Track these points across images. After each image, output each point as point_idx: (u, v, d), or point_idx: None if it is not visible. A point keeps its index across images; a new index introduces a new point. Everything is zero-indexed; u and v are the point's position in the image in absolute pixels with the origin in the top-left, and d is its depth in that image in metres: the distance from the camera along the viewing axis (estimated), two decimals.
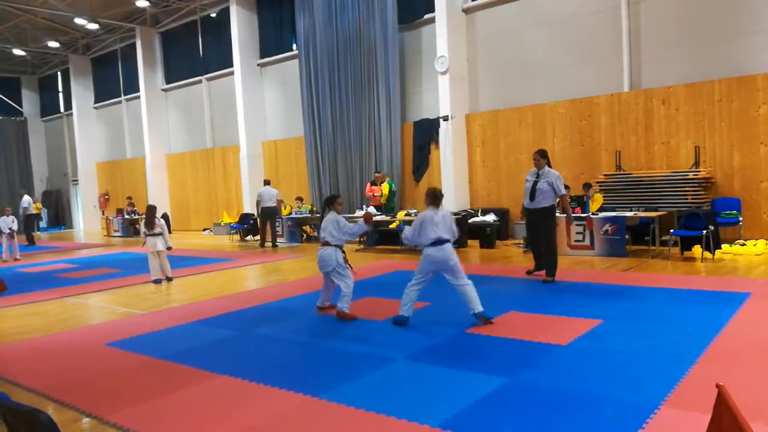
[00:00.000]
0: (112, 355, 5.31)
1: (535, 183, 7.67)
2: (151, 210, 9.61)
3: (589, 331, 5.16)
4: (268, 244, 14.55)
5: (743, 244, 9.37)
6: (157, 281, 9.44)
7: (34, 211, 19.27)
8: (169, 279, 9.58)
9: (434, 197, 5.77)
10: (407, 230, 5.88)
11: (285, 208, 15.61)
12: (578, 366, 4.27)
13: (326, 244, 6.33)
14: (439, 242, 5.61)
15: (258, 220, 15.00)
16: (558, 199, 7.96)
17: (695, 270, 8.14)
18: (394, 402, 3.74)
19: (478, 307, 5.59)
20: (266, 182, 15.00)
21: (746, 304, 5.83)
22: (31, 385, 4.57)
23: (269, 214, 14.40)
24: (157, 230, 9.43)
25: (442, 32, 13.39)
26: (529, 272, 8.32)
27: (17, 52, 23.82)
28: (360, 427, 3.42)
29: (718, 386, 1.54)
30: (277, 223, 14.99)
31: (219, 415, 3.72)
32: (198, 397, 4.08)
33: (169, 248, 9.60)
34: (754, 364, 4.13)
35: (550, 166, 7.78)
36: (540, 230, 7.87)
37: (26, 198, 19.62)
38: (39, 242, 20.06)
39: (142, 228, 9.46)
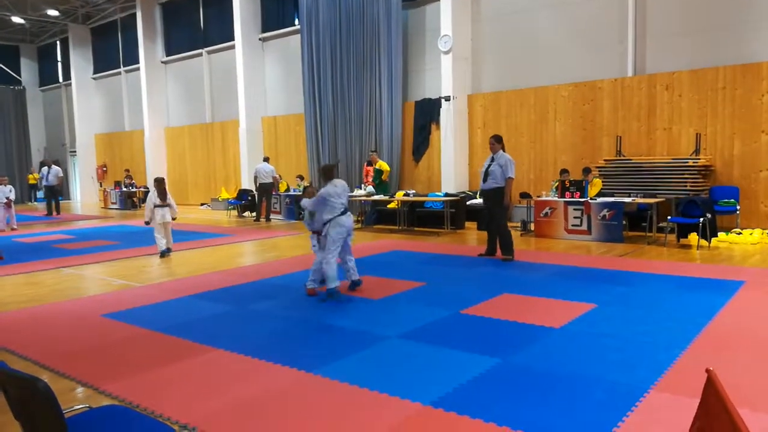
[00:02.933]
0: (108, 326, 5.34)
1: (489, 166, 8.12)
2: (162, 182, 9.76)
3: (583, 314, 5.20)
4: (264, 219, 14.89)
5: (740, 233, 9.40)
6: (166, 252, 9.50)
7: (56, 183, 18.38)
8: (168, 250, 9.61)
9: (328, 172, 6.33)
10: (308, 206, 6.32)
11: (281, 183, 15.71)
12: (570, 349, 4.31)
13: None
14: (346, 211, 6.21)
15: (256, 195, 15.32)
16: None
17: (691, 257, 8.18)
18: (387, 379, 3.77)
19: (356, 276, 6.33)
20: (265, 159, 15.25)
21: (740, 293, 5.87)
22: (27, 353, 4.60)
23: (265, 189, 14.71)
24: (168, 202, 9.53)
25: (446, 11, 13.25)
26: (480, 255, 8.55)
27: (16, 19, 23.54)
28: (353, 403, 3.45)
29: (707, 371, 1.55)
30: (275, 200, 15.26)
31: (214, 388, 3.75)
32: (193, 370, 4.12)
33: (174, 218, 9.74)
34: (744, 351, 4.17)
35: (504, 151, 8.22)
36: (491, 210, 8.32)
37: (55, 168, 18.18)
38: (36, 213, 20.02)
39: (155, 200, 9.46)
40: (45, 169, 18.13)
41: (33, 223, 16.04)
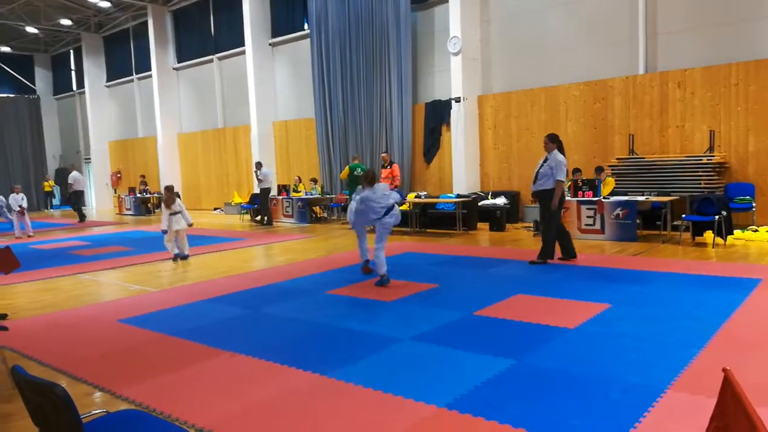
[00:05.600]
0: (125, 331, 5.39)
1: (541, 167, 7.74)
2: (171, 189, 9.79)
3: (597, 314, 5.16)
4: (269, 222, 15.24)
5: (756, 230, 9.29)
6: (180, 257, 9.63)
7: (79, 188, 18.20)
8: (185, 257, 9.67)
9: (367, 179, 6.93)
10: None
11: (299, 185, 15.97)
12: (585, 349, 4.28)
13: None
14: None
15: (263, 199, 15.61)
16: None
17: (706, 255, 8.09)
18: (401, 382, 3.77)
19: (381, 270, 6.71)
20: (258, 164, 15.52)
21: (757, 290, 5.81)
22: (45, 359, 4.66)
23: (268, 193, 15.10)
24: (176, 209, 9.56)
25: (455, 13, 13.24)
26: (559, 258, 8.04)
27: (30, 29, 23.88)
28: (368, 406, 3.46)
29: (724, 370, 1.54)
30: (287, 204, 15.44)
31: (229, 391, 3.77)
32: (208, 373, 4.15)
33: (190, 225, 9.75)
34: (762, 349, 4.12)
35: (560, 150, 7.68)
36: (541, 212, 8.00)
37: (74, 174, 18.50)
38: (53, 219, 20.26)
39: (164, 209, 9.56)
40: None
41: (51, 230, 16.22)
